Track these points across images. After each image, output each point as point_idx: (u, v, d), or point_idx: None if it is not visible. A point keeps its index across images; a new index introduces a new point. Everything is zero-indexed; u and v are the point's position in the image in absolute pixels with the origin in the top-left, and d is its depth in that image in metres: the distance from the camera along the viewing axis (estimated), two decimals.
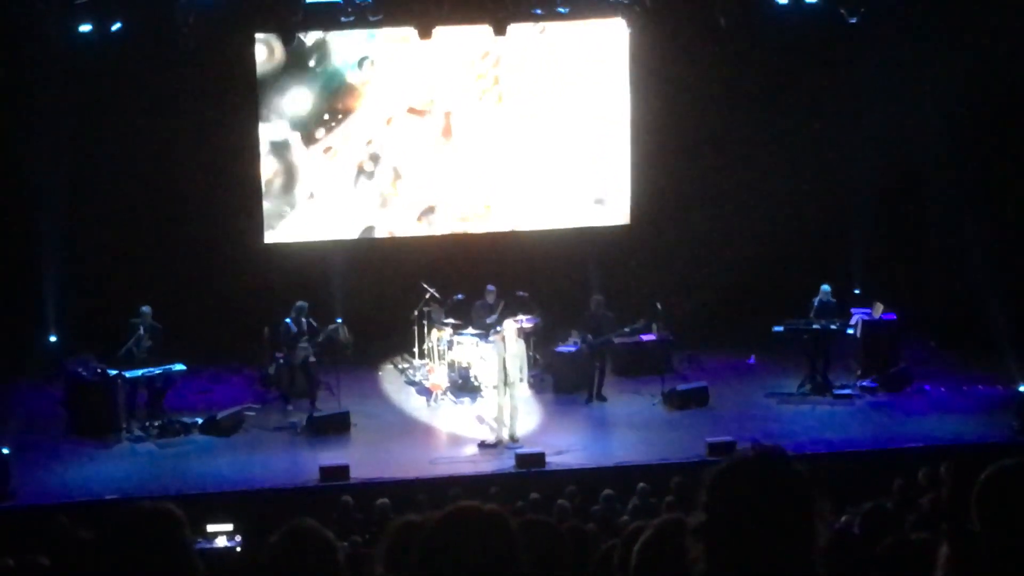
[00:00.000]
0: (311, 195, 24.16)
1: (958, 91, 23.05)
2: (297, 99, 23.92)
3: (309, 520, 4.66)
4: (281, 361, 21.73)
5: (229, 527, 15.32)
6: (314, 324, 21.64)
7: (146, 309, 20.56)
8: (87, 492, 17.70)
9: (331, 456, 18.89)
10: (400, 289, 23.51)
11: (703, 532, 3.35)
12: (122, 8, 19.89)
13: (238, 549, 15.06)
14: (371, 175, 24.24)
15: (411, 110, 24.13)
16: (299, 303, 21.46)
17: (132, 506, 4.42)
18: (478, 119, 24.35)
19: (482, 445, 19.56)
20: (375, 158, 24.21)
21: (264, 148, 23.92)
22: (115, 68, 22.15)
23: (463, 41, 23.71)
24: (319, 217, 24.26)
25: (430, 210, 24.52)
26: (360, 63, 23.92)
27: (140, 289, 22.17)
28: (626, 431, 20.34)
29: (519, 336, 20.06)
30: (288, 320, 21.30)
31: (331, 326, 22.15)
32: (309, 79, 23.88)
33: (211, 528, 15.22)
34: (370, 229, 24.46)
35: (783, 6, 21.46)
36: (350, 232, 24.42)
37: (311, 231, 24.29)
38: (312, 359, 21.56)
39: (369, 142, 24.13)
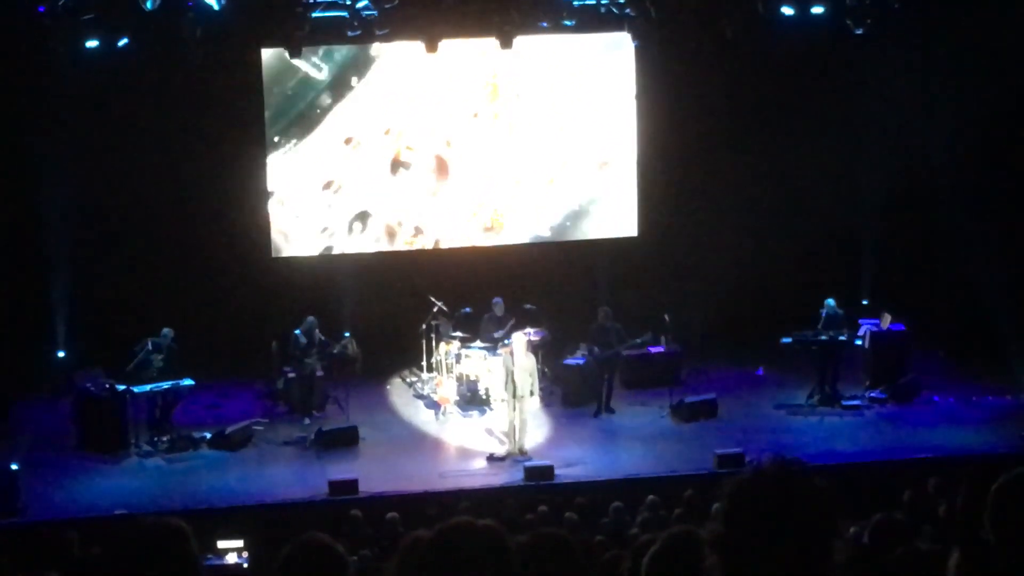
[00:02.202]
0: (318, 208, 24.17)
1: (966, 101, 23.04)
2: (304, 113, 23.95)
3: (319, 534, 4.66)
4: (291, 375, 21.77)
5: (240, 543, 15.31)
6: (323, 339, 21.68)
7: (167, 332, 20.56)
8: (96, 508, 17.70)
9: (340, 470, 18.87)
10: (408, 302, 23.52)
11: (720, 542, 3.35)
12: (129, 24, 19.91)
13: (245, 566, 15.05)
14: (380, 189, 24.25)
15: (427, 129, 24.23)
16: (309, 318, 21.49)
17: (138, 521, 4.42)
18: (484, 132, 24.37)
19: (491, 458, 19.55)
20: (383, 172, 24.23)
21: (272, 162, 23.94)
22: (122, 84, 22.19)
23: (470, 53, 23.74)
24: (326, 230, 24.26)
25: (436, 223, 24.52)
26: (368, 75, 24.01)
27: (148, 304, 22.23)
28: (635, 443, 20.32)
29: (529, 350, 20.05)
30: (297, 332, 21.34)
31: (343, 341, 22.15)
32: (315, 93, 23.93)
33: (222, 544, 15.20)
34: (377, 243, 24.47)
35: (789, 17, 21.46)
36: (357, 246, 24.42)
37: (319, 245, 24.29)
38: (320, 373, 21.62)
39: (376, 156, 24.19)
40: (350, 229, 24.21)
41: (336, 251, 24.33)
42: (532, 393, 19.80)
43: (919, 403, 21.82)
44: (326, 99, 23.92)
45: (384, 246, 24.44)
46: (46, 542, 15.28)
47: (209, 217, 23.55)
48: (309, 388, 21.51)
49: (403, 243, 24.50)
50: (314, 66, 23.73)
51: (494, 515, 13.89)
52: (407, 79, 23.93)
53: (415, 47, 22.45)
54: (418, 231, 24.48)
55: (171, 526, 4.36)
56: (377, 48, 23.53)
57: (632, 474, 18.59)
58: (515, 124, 24.43)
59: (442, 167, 24.35)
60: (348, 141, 24.07)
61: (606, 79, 24.55)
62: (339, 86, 23.95)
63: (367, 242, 24.33)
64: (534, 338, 22.20)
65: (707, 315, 23.70)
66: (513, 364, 19.50)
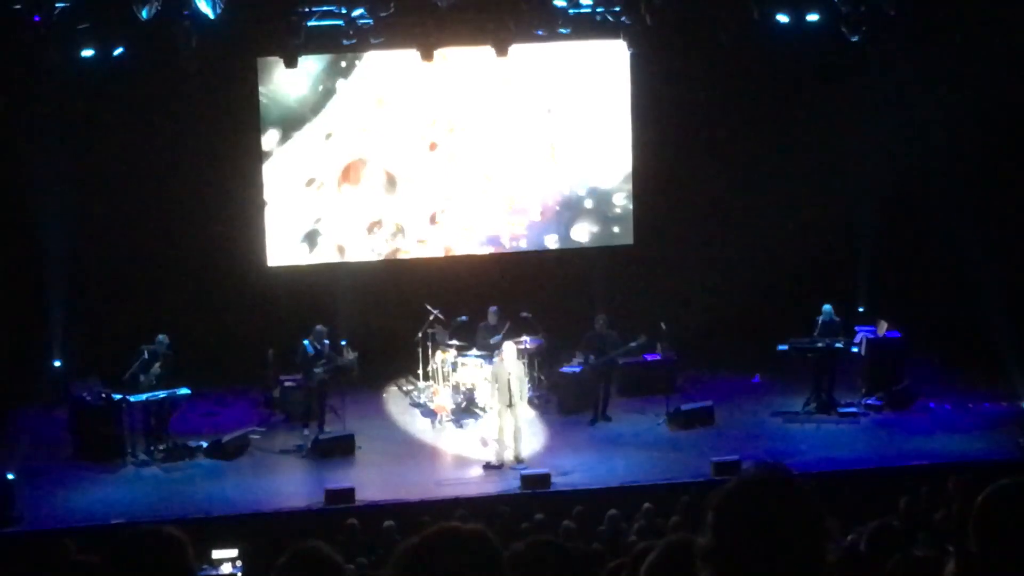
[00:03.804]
0: (314, 217, 24.19)
1: (961, 108, 23.07)
2: (298, 121, 23.98)
3: (316, 542, 4.65)
4: (294, 384, 21.70)
5: (234, 553, 15.30)
6: (330, 350, 21.49)
7: (162, 338, 20.50)
8: (92, 516, 17.69)
9: (336, 479, 18.89)
10: (404, 311, 23.51)
11: (711, 554, 3.34)
12: (124, 33, 19.90)
13: (239, 575, 15.04)
14: (374, 197, 24.28)
15: (414, 129, 24.24)
16: (318, 327, 21.27)
17: (134, 530, 4.42)
18: (480, 139, 24.39)
19: (487, 466, 19.55)
20: (378, 180, 24.26)
21: (267, 171, 23.95)
22: (117, 93, 22.19)
23: (466, 60, 23.74)
24: (322, 239, 24.28)
25: (432, 231, 24.55)
26: (360, 84, 24.05)
27: (144, 313, 22.22)
28: (631, 451, 20.31)
29: (519, 357, 20.05)
30: (306, 342, 21.15)
31: (351, 355, 22.01)
32: (309, 101, 23.96)
33: (216, 555, 15.19)
34: (373, 251, 24.49)
35: (784, 25, 21.47)
36: (353, 254, 24.43)
37: (314, 253, 24.30)
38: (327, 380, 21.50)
39: (371, 163, 24.21)
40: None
41: (334, 259, 24.36)
42: (521, 399, 19.80)
43: (915, 410, 21.81)
44: (314, 102, 23.99)
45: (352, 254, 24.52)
46: (42, 551, 15.25)
47: (205, 226, 23.54)
48: (320, 398, 21.29)
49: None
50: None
51: (490, 523, 13.88)
52: (402, 83, 23.96)
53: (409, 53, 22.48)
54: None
55: (168, 535, 4.35)
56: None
57: (629, 482, 18.57)
58: (509, 131, 24.44)
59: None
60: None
61: (601, 86, 24.57)
62: (326, 88, 24.00)
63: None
64: (530, 346, 22.25)
65: (703, 322, 23.72)
66: (509, 372, 19.52)
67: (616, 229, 25.07)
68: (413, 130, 24.24)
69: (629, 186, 24.90)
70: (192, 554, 4.38)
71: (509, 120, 24.44)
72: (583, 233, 25.02)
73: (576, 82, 24.51)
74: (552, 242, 24.95)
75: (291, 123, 24.01)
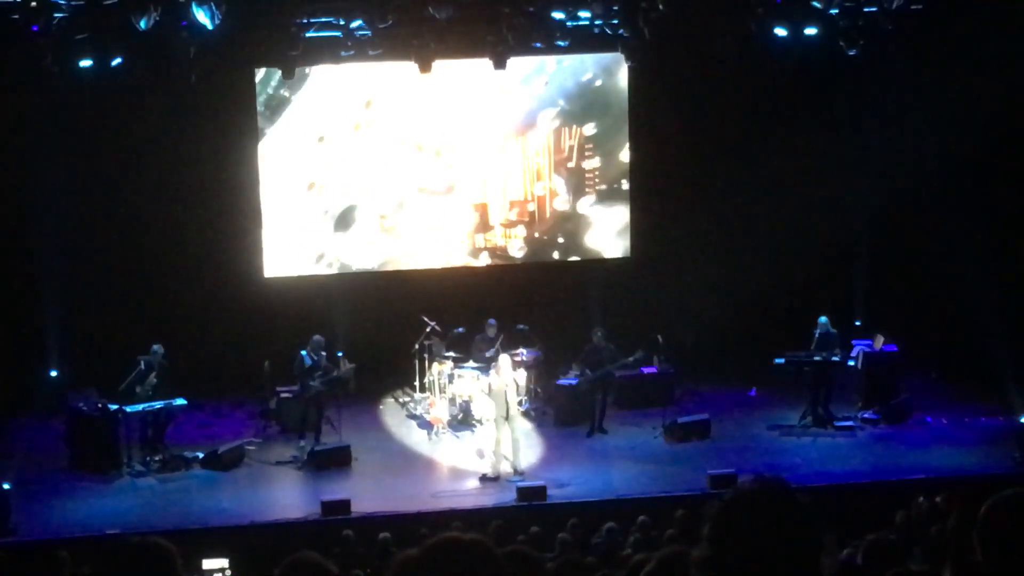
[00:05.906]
0: (311, 228, 24.20)
1: (958, 121, 23.06)
2: (295, 133, 23.98)
3: (311, 553, 4.65)
4: (290, 395, 21.66)
5: (224, 563, 15.27)
6: (321, 361, 21.45)
7: (157, 348, 20.48)
8: (88, 527, 17.65)
9: (333, 490, 18.87)
10: (401, 322, 23.50)
11: (708, 565, 3.34)
12: (122, 43, 19.89)
13: None
14: (369, 208, 24.29)
15: (413, 143, 24.25)
16: (316, 337, 21.26)
17: (122, 541, 4.42)
18: (479, 150, 24.40)
19: (483, 479, 19.54)
20: (375, 191, 24.28)
21: (264, 182, 23.95)
22: (116, 103, 22.18)
23: (462, 72, 23.75)
24: (318, 250, 24.29)
25: (429, 242, 24.56)
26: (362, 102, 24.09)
27: (141, 324, 22.19)
28: (627, 464, 20.30)
29: (516, 368, 20.05)
30: (304, 353, 21.11)
31: (348, 366, 21.97)
32: (306, 112, 23.98)
33: (206, 565, 15.16)
34: (371, 261, 24.48)
35: (782, 39, 21.46)
36: (351, 265, 24.43)
37: (311, 265, 24.30)
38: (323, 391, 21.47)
39: (368, 175, 24.23)
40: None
41: (330, 270, 24.38)
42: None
43: (912, 424, 21.82)
44: (322, 119, 24.04)
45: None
46: (38, 562, 15.24)
47: (202, 236, 23.54)
48: (316, 409, 21.25)
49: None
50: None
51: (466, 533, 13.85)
52: (403, 100, 24.00)
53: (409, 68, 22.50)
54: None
55: (156, 546, 4.35)
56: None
57: (625, 495, 18.55)
58: (506, 143, 24.46)
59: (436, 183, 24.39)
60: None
61: (599, 99, 24.60)
62: (334, 108, 24.07)
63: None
64: (527, 358, 22.23)
65: (700, 336, 23.72)
66: (506, 384, 19.52)
67: (613, 242, 25.04)
68: (404, 130, 24.24)
69: (626, 199, 24.90)
70: (180, 564, 4.38)
71: (504, 134, 24.47)
72: (579, 248, 25.03)
73: (572, 94, 24.53)
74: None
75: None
